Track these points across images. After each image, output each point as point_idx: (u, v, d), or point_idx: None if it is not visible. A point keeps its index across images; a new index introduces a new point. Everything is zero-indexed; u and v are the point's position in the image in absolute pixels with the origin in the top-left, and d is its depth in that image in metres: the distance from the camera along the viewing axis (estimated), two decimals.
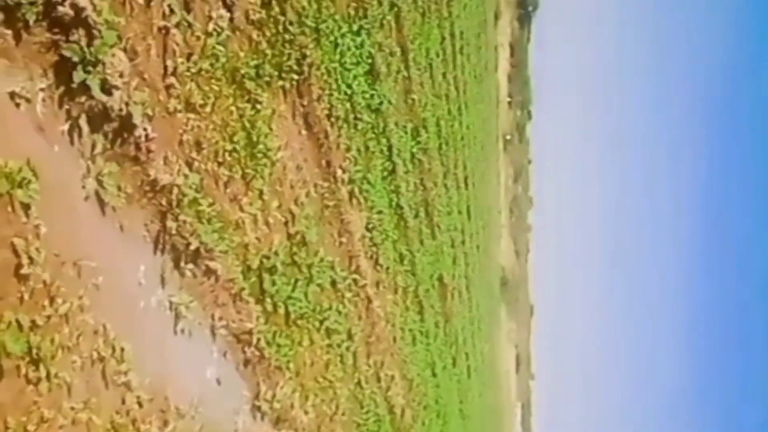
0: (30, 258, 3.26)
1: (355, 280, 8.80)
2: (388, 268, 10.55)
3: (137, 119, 3.99)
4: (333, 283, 7.85)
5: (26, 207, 3.22)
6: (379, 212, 9.87)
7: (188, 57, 4.65)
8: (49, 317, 3.41)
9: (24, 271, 3.24)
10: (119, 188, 3.98)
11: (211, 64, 4.97)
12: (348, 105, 8.29)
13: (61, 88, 3.50)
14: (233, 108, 5.35)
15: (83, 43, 3.50)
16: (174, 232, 4.58)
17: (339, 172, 8.07)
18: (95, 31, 3.55)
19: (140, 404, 4.21)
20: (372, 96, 9.32)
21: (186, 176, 4.61)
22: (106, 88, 3.68)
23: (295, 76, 6.56)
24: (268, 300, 6.08)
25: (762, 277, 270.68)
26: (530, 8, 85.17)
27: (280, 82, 6.31)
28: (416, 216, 12.87)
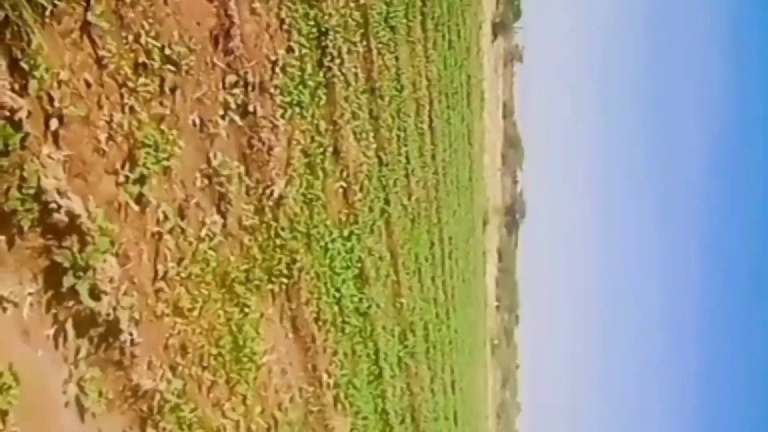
0: None
1: None
2: None
3: (124, 324, 3.97)
4: None
5: (4, 413, 3.15)
6: (365, 418, 9.68)
7: (179, 261, 4.69)
8: None
9: None
10: (100, 394, 3.91)
11: (202, 269, 5.01)
12: (336, 308, 8.30)
13: (50, 293, 3.50)
14: (221, 312, 5.34)
15: (75, 249, 3.54)
16: None
17: (325, 376, 7.97)
18: (88, 238, 3.60)
19: None
20: (360, 300, 9.36)
21: (169, 381, 4.54)
22: (95, 294, 3.69)
23: (285, 280, 6.61)
24: None
25: None
26: (518, 216, 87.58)
27: (270, 286, 6.34)
28: (402, 422, 12.61)
